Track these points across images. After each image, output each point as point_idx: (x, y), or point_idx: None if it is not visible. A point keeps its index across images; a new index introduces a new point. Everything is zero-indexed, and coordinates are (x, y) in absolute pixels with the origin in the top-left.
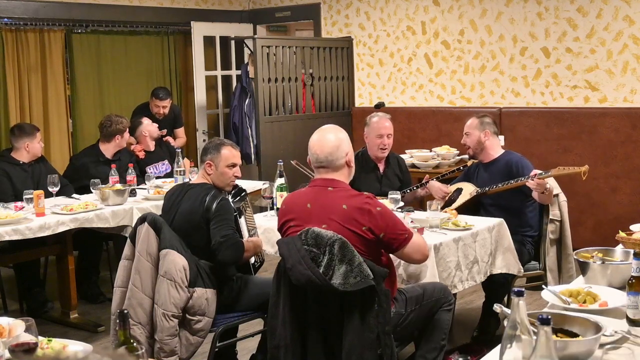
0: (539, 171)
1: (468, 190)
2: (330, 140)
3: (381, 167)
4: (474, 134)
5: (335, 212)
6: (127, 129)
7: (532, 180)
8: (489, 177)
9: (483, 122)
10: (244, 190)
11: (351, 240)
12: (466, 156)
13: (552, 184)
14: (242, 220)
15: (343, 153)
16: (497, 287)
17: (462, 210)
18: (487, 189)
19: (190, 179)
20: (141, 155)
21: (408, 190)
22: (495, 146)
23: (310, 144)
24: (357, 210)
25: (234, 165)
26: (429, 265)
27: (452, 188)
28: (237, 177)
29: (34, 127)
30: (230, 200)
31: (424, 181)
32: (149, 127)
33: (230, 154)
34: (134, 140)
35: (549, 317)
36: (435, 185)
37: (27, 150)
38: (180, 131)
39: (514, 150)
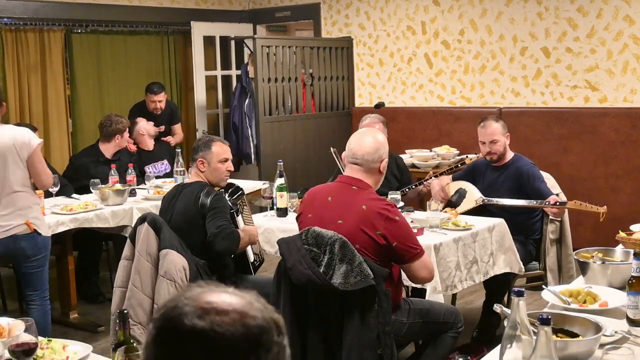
0: (558, 199)
1: (473, 196)
2: (370, 142)
3: None
4: (501, 140)
5: (354, 210)
6: (127, 129)
7: (550, 205)
8: (498, 181)
9: (503, 125)
10: (241, 189)
11: (362, 241)
12: (466, 156)
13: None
14: (239, 219)
15: (379, 157)
16: (498, 286)
17: (466, 211)
18: (494, 201)
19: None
20: (132, 148)
21: (409, 188)
22: (508, 149)
23: (351, 140)
24: (376, 213)
25: (226, 160)
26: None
27: (454, 187)
28: (230, 172)
29: (31, 127)
30: (227, 198)
31: (426, 178)
32: (145, 126)
33: (221, 149)
34: (131, 140)
35: (549, 317)
36: (435, 187)
37: None
38: (178, 127)
39: (514, 151)
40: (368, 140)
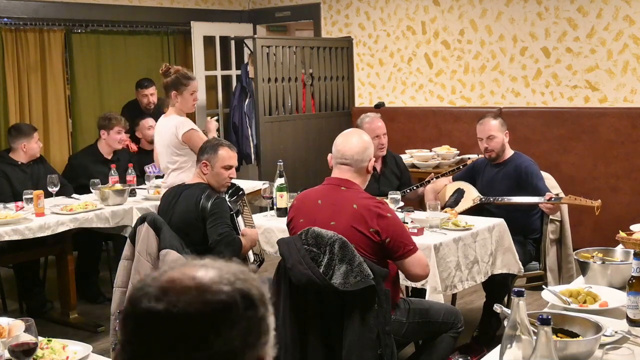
0: (552, 195)
1: (471, 195)
2: (358, 142)
3: (378, 166)
4: (499, 137)
5: (345, 210)
6: (114, 127)
7: (544, 202)
8: (497, 179)
9: (502, 122)
10: (241, 189)
11: (357, 240)
12: (467, 156)
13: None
14: (239, 219)
15: (367, 157)
16: (498, 287)
17: (463, 211)
18: (491, 199)
19: None
20: (133, 148)
21: (410, 190)
22: (508, 147)
23: (337, 141)
24: (367, 211)
25: (229, 167)
26: (430, 265)
27: (453, 187)
28: (231, 179)
29: (31, 128)
30: (227, 199)
31: (427, 179)
32: (150, 123)
33: (227, 155)
34: (128, 140)
35: (549, 317)
36: (429, 194)
37: (25, 150)
38: None
39: (516, 150)
40: (355, 140)
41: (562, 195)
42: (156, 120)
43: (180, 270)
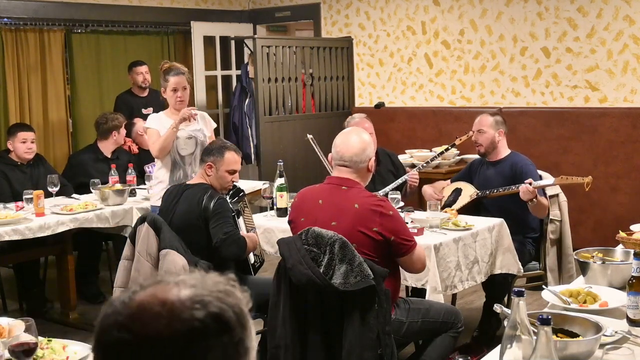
0: (546, 181)
1: (468, 192)
2: (356, 142)
3: None
4: (488, 133)
5: (347, 210)
6: (123, 125)
7: (537, 185)
8: (492, 176)
9: (497, 121)
10: (242, 191)
11: (359, 240)
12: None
13: None
14: (240, 221)
15: (367, 157)
16: (498, 287)
17: (462, 210)
18: (487, 192)
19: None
20: (135, 150)
21: (400, 189)
22: (504, 146)
23: (336, 142)
24: (369, 210)
25: (234, 172)
26: (430, 266)
27: (451, 188)
28: (234, 182)
29: (19, 127)
30: (229, 200)
31: (408, 169)
32: (143, 125)
33: (232, 159)
34: (130, 140)
35: (549, 317)
36: (427, 191)
37: (11, 149)
38: None
39: (514, 150)
40: (354, 140)
41: (562, 194)
42: (146, 107)
43: (151, 292)
